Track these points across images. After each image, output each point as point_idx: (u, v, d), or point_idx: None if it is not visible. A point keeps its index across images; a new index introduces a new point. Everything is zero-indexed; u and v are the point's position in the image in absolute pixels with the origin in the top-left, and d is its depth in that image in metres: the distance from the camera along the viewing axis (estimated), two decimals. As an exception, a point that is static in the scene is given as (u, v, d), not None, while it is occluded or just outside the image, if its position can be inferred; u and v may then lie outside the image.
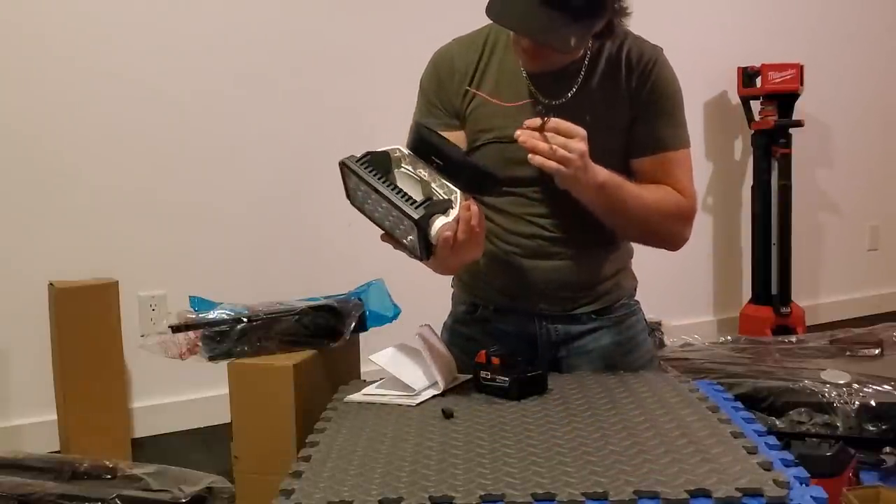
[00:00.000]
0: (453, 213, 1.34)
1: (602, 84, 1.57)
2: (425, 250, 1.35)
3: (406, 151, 1.42)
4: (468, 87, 1.61)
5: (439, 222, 1.33)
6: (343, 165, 1.41)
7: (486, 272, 1.67)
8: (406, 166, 1.43)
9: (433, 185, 1.39)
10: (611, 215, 1.54)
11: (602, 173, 1.45)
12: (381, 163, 1.40)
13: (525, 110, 1.54)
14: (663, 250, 1.64)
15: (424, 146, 1.40)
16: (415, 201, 1.34)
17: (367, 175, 1.37)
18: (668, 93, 1.59)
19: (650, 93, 1.57)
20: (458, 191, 1.36)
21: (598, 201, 1.49)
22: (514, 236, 1.62)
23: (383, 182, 1.36)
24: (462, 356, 1.58)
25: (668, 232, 1.59)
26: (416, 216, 1.32)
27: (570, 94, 1.57)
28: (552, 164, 1.38)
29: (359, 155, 1.40)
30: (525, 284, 1.63)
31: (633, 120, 1.58)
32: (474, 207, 1.36)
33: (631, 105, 1.57)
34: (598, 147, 1.53)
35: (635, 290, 1.74)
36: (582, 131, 1.39)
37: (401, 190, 1.35)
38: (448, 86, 1.63)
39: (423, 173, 1.40)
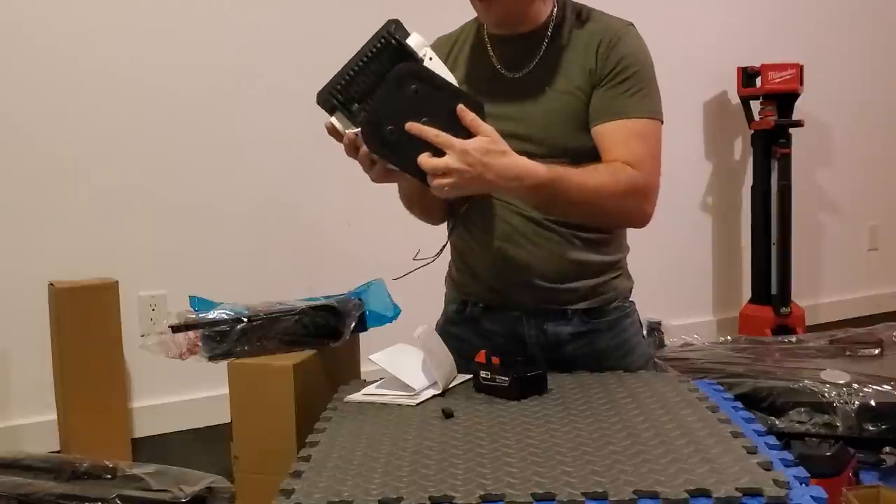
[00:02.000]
0: (348, 130, 1.39)
1: (565, 54, 1.57)
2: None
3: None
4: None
5: (335, 119, 1.39)
6: (390, 22, 1.41)
7: (470, 261, 1.68)
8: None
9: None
10: (553, 208, 1.51)
11: (534, 174, 1.38)
12: (395, 55, 1.38)
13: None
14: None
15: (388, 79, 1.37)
16: (346, 85, 1.37)
17: (369, 42, 1.39)
18: (633, 62, 1.55)
19: (614, 62, 1.54)
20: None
21: (535, 200, 1.46)
22: (495, 221, 1.62)
23: (362, 58, 1.38)
24: (453, 356, 1.58)
25: (622, 212, 1.53)
26: (321, 91, 1.38)
27: (531, 66, 1.58)
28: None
29: (401, 34, 1.39)
30: (506, 272, 1.62)
31: (594, 88, 1.55)
32: (363, 149, 1.38)
33: (594, 73, 1.55)
34: (559, 116, 1.55)
35: (630, 291, 1.72)
36: (457, 144, 1.32)
37: (358, 72, 1.37)
38: None
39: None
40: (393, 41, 1.37)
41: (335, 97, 1.38)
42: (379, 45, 1.37)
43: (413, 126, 1.33)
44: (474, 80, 1.62)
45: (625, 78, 1.54)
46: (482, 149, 1.33)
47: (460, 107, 1.35)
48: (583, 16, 1.60)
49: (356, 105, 1.38)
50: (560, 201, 1.46)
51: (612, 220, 1.59)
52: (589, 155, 1.55)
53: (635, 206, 1.53)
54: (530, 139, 1.54)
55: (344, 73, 1.38)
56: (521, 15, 1.59)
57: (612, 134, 1.53)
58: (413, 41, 1.38)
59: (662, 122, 1.57)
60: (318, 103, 1.39)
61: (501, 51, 1.62)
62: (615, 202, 1.50)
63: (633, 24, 1.60)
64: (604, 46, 1.55)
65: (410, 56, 1.37)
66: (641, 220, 1.56)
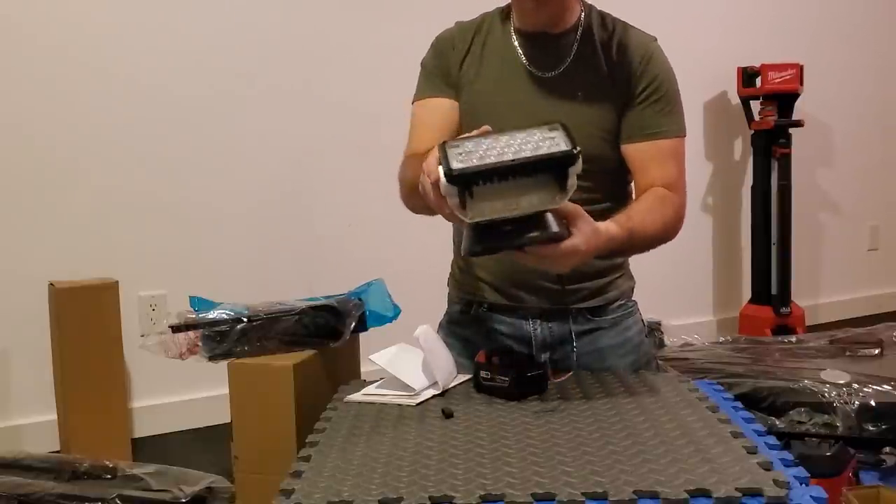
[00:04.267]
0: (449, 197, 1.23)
1: (594, 65, 1.59)
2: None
3: None
4: (461, 68, 1.66)
5: (449, 187, 1.20)
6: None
7: (474, 263, 1.67)
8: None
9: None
10: (615, 256, 1.61)
11: (603, 235, 1.36)
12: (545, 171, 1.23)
13: (515, 99, 1.59)
14: (662, 249, 1.64)
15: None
16: (489, 174, 1.20)
17: (538, 153, 1.22)
18: (664, 79, 1.59)
19: (648, 80, 1.58)
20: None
21: (606, 252, 1.46)
22: None
23: (522, 164, 1.21)
24: (457, 357, 1.58)
25: (666, 239, 1.59)
26: (465, 170, 1.19)
27: (562, 68, 1.59)
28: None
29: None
30: (512, 275, 1.62)
31: (626, 106, 1.58)
32: (427, 176, 1.26)
33: (624, 91, 1.58)
34: (589, 125, 1.56)
35: (632, 290, 1.73)
36: (567, 246, 1.28)
37: (506, 172, 1.20)
38: (448, 57, 1.66)
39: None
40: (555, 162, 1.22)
41: (472, 181, 1.20)
42: (542, 158, 1.21)
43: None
44: (502, 75, 1.62)
45: (658, 97, 1.58)
46: (589, 241, 1.31)
47: (567, 205, 1.28)
48: (609, 25, 1.62)
49: (473, 199, 1.22)
50: (625, 251, 1.55)
51: (654, 248, 1.60)
52: (609, 165, 1.58)
53: (676, 228, 1.59)
54: None
55: (498, 166, 1.20)
56: (561, 15, 1.60)
57: (648, 154, 1.58)
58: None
59: (686, 134, 1.63)
60: (454, 178, 1.20)
61: (529, 48, 1.62)
62: (666, 236, 1.56)
63: (656, 39, 1.63)
64: (638, 64, 1.58)
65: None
66: (674, 236, 1.61)
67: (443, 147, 1.24)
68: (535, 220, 1.25)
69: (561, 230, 1.27)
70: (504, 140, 1.24)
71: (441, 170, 1.21)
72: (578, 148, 1.21)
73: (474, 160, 1.21)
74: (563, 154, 1.21)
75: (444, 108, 1.64)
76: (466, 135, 1.28)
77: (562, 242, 1.27)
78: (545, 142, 1.23)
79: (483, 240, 1.27)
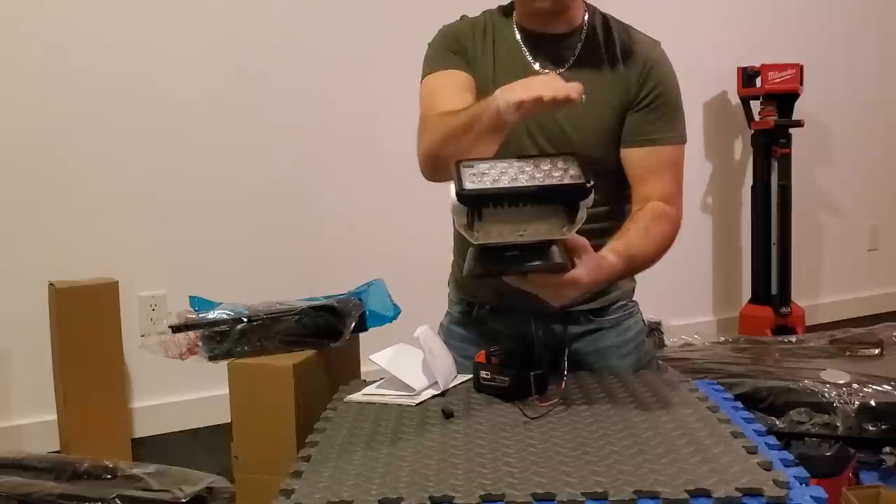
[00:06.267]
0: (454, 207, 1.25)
1: (597, 66, 1.59)
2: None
3: None
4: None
5: (455, 201, 1.22)
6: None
7: None
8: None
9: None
10: (617, 281, 1.60)
11: (605, 268, 1.39)
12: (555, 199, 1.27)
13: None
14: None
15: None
16: (499, 198, 1.22)
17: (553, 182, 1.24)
18: (667, 87, 1.59)
19: (651, 87, 1.58)
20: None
21: (605, 283, 1.51)
22: None
23: (535, 191, 1.23)
24: (458, 358, 1.58)
25: (663, 255, 1.59)
26: (478, 191, 1.21)
27: (565, 68, 1.59)
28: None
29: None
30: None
31: (627, 109, 1.58)
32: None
33: (626, 95, 1.58)
34: (590, 125, 1.56)
35: (633, 290, 1.73)
36: (569, 278, 1.30)
37: (515, 197, 1.23)
38: (460, 40, 1.64)
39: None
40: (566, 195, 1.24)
41: (483, 203, 1.22)
42: (554, 187, 1.23)
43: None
44: (507, 72, 1.61)
45: (660, 103, 1.58)
46: (591, 273, 1.34)
47: (575, 238, 1.30)
48: (613, 28, 1.62)
49: (481, 220, 1.23)
50: (624, 278, 1.58)
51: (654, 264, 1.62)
52: (612, 167, 1.58)
53: (672, 242, 1.59)
54: (552, 140, 1.56)
55: (510, 191, 1.22)
56: (565, 13, 1.59)
57: (646, 162, 1.58)
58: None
59: (686, 141, 1.63)
60: (464, 198, 1.22)
61: (533, 47, 1.62)
62: (663, 253, 1.56)
63: (659, 43, 1.63)
64: (641, 69, 1.58)
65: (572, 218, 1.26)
66: (670, 248, 1.61)
67: (457, 165, 1.25)
68: (541, 248, 1.26)
69: (564, 261, 1.28)
70: (518, 165, 1.25)
71: (453, 187, 1.22)
72: (592, 182, 1.22)
73: (487, 182, 1.22)
74: (576, 186, 1.22)
75: (463, 79, 1.60)
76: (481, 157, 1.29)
77: (564, 274, 1.28)
78: (559, 171, 1.24)
79: (486, 262, 1.28)
